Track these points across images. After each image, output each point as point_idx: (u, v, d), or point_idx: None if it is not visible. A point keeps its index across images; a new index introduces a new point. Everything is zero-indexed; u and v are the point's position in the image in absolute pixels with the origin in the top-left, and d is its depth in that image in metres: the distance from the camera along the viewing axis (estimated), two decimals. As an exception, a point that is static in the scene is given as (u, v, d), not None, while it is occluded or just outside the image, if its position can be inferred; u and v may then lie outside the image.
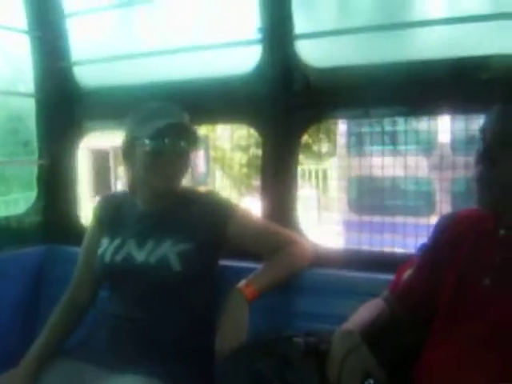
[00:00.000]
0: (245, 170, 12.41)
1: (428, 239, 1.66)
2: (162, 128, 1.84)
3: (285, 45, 2.13)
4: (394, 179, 6.40)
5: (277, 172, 2.20)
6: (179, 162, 1.90)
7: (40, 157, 2.70)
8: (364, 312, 1.63)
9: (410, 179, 6.58)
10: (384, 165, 6.13)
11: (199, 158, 12.09)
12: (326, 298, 1.90)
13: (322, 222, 8.63)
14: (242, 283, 1.78)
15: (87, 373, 1.77)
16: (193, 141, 1.92)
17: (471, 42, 1.97)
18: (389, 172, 6.21)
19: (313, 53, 2.13)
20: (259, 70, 2.19)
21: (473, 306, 1.43)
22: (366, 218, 6.29)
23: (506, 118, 1.40)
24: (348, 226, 7.24)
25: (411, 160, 6.62)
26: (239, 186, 11.81)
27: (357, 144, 7.57)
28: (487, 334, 1.37)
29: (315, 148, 12.06)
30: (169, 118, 1.87)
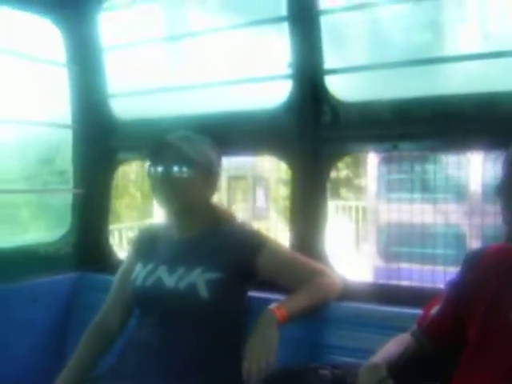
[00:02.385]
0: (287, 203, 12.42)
1: (456, 274, 1.66)
2: (156, 151, 1.93)
3: (314, 79, 2.17)
4: (424, 226, 6.35)
5: (306, 204, 2.22)
6: (177, 183, 1.93)
7: (75, 186, 2.76)
8: (391, 346, 1.63)
9: (441, 227, 6.50)
10: (414, 212, 6.12)
11: (259, 194, 12.24)
12: (352, 332, 1.89)
13: (359, 254, 8.55)
14: (273, 305, 1.80)
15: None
16: (183, 161, 1.93)
17: (503, 77, 1.97)
18: (419, 219, 6.17)
19: (342, 87, 2.16)
20: (289, 104, 2.23)
21: (500, 340, 1.43)
22: (395, 266, 6.25)
23: None
24: (377, 272, 7.16)
25: (442, 207, 6.58)
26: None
27: (387, 190, 7.55)
28: None
29: (356, 182, 12.09)
30: (164, 140, 1.96)
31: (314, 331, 1.96)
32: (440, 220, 6.48)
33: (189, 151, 1.94)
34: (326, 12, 2.18)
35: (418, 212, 6.30)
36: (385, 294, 2.06)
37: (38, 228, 2.82)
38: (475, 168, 6.84)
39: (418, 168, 7.09)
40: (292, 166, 2.26)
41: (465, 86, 2.00)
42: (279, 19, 2.25)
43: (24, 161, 2.83)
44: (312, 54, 2.17)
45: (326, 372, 1.55)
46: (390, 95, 2.09)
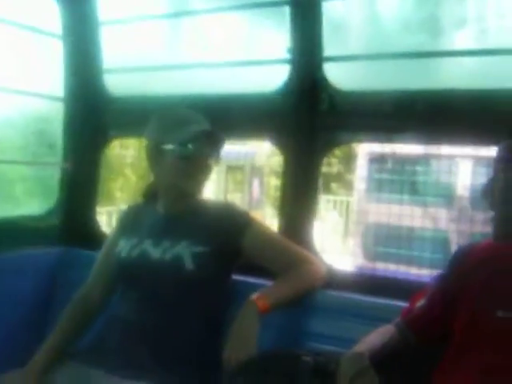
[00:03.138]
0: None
1: (444, 269, 1.66)
2: (198, 133, 1.89)
3: (313, 66, 2.16)
4: (411, 229, 6.38)
5: (296, 191, 2.21)
6: (207, 168, 1.95)
7: (64, 160, 2.73)
8: (375, 337, 1.63)
9: (427, 230, 6.53)
10: (402, 214, 6.15)
11: (255, 185, 12.35)
12: (336, 321, 1.89)
13: (344, 250, 8.59)
14: (255, 295, 1.78)
15: (96, 378, 1.78)
16: (220, 149, 1.95)
17: (498, 74, 1.97)
18: (406, 221, 6.20)
19: (340, 75, 2.15)
20: (286, 89, 2.22)
21: (485, 337, 1.45)
22: (380, 266, 6.28)
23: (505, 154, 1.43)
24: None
25: (429, 211, 6.60)
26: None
27: (375, 190, 7.57)
28: (498, 365, 1.38)
29: (347, 177, 12.14)
30: (201, 124, 1.93)
31: (297, 318, 1.95)
32: (427, 223, 6.51)
33: (222, 136, 1.94)
34: (329, -2, 2.16)
35: (405, 214, 6.34)
36: (370, 284, 2.07)
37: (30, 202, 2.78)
38: (464, 173, 6.88)
39: (407, 169, 7.12)
40: (285, 152, 2.25)
41: (462, 82, 2.00)
42: (281, 3, 2.23)
43: (14, 131, 2.80)
44: (312, 40, 2.15)
45: (308, 359, 1.55)
46: (388, 87, 2.09)
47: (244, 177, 13.38)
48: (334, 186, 14.25)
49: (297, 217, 2.21)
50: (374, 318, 1.79)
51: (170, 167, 1.93)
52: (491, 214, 1.54)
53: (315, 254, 2.12)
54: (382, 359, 1.55)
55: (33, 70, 2.70)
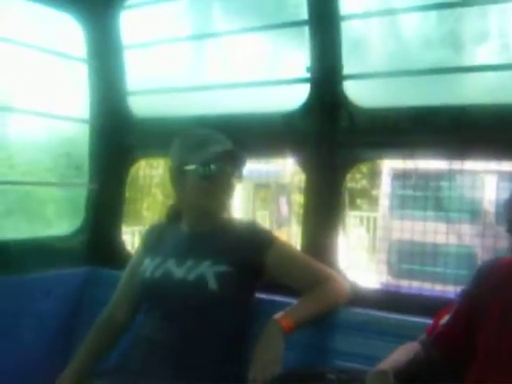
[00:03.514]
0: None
1: (468, 285, 1.65)
2: (219, 153, 1.93)
3: (333, 84, 2.17)
4: (435, 245, 6.30)
5: (319, 208, 2.22)
6: (231, 187, 1.98)
7: (90, 181, 2.78)
8: (399, 354, 1.62)
9: (452, 246, 6.45)
10: (426, 230, 6.08)
11: (282, 203, 12.54)
12: (360, 338, 1.89)
13: (370, 264, 8.51)
14: (279, 315, 1.80)
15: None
16: (242, 168, 1.99)
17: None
18: (431, 238, 6.13)
19: (360, 93, 2.16)
20: (307, 108, 2.23)
21: (509, 355, 1.42)
22: (405, 283, 6.21)
23: None
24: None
25: (454, 227, 6.51)
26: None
27: (399, 207, 7.51)
28: None
29: (373, 193, 12.10)
30: (223, 144, 1.97)
31: (322, 336, 1.95)
32: (452, 239, 6.43)
33: (244, 156, 1.99)
34: (347, 17, 2.17)
35: (430, 230, 6.27)
36: (394, 301, 2.05)
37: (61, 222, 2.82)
38: (489, 188, 6.80)
39: (431, 185, 7.06)
40: (307, 170, 2.26)
41: (482, 97, 2.00)
42: (300, 23, 2.25)
43: (43, 153, 2.86)
44: (331, 58, 2.17)
45: (332, 376, 1.55)
46: (408, 103, 2.09)
47: (271, 195, 13.55)
48: (359, 201, 14.19)
49: (320, 234, 2.21)
50: (398, 335, 1.77)
51: (193, 187, 1.96)
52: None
53: (339, 271, 2.12)
54: (407, 377, 1.54)
55: (60, 93, 2.76)
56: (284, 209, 12.60)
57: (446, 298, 1.96)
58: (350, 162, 2.21)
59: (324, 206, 2.20)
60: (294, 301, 1.91)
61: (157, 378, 1.79)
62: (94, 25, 2.67)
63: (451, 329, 1.61)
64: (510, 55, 2.23)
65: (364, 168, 12.11)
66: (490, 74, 2.08)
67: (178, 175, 2.00)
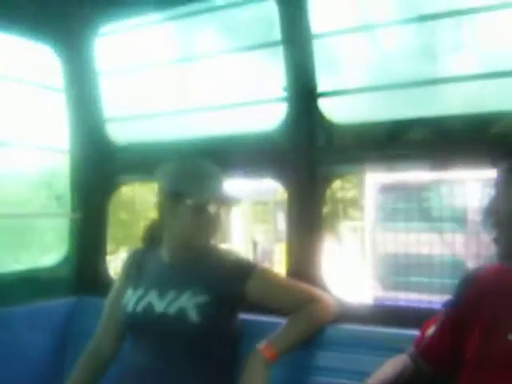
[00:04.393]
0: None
1: (453, 295, 1.65)
2: (219, 194, 1.95)
3: (308, 102, 2.19)
4: (423, 256, 6.33)
5: (301, 226, 2.22)
6: (218, 223, 1.98)
7: (72, 210, 2.76)
8: (387, 368, 1.62)
9: (439, 256, 6.48)
10: (413, 241, 6.10)
11: (279, 219, 12.73)
12: (349, 354, 1.88)
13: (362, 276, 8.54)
14: (262, 344, 1.80)
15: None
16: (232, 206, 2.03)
17: (497, 96, 1.99)
18: (418, 249, 6.16)
19: (336, 110, 2.18)
20: (284, 127, 2.25)
21: (498, 362, 1.42)
22: (393, 295, 6.24)
23: (507, 173, 1.44)
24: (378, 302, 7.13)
25: (441, 237, 6.56)
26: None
27: (386, 220, 7.56)
28: None
29: (363, 202, 12.17)
30: (220, 180, 1.98)
31: (310, 353, 1.94)
32: (439, 249, 6.46)
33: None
34: (320, 36, 2.20)
35: (417, 242, 6.30)
36: (382, 315, 2.05)
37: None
38: (475, 196, 6.85)
39: (416, 197, 7.12)
40: (288, 187, 2.27)
41: (459, 107, 2.02)
42: (274, 43, 2.27)
43: (22, 185, 2.85)
44: (306, 77, 2.19)
45: None
46: (384, 117, 2.11)
47: (269, 211, 13.73)
48: (351, 211, 14.24)
49: (304, 252, 2.21)
50: (387, 348, 1.77)
51: (183, 218, 1.94)
52: (494, 234, 1.53)
53: (324, 288, 2.11)
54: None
55: (38, 124, 2.76)
56: (281, 224, 12.74)
57: (432, 309, 1.96)
58: (329, 178, 2.22)
59: (306, 223, 2.20)
60: (280, 320, 1.90)
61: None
62: (70, 54, 2.67)
63: (438, 340, 1.61)
64: (484, 65, 2.26)
65: (353, 177, 12.18)
66: (463, 85, 2.11)
67: (168, 201, 1.96)
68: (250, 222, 13.54)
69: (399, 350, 1.69)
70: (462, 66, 2.28)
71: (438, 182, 6.82)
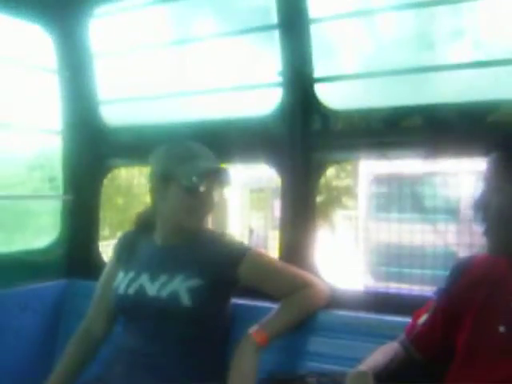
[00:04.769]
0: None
1: (444, 283, 1.65)
2: (208, 170, 1.91)
3: (304, 87, 2.17)
4: (416, 247, 6.35)
5: (294, 211, 2.22)
6: (211, 203, 1.96)
7: (65, 192, 2.75)
8: (379, 355, 1.63)
9: (431, 247, 6.50)
10: (402, 232, 6.11)
11: (276, 206, 12.91)
12: (341, 340, 1.89)
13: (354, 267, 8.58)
14: (253, 328, 1.80)
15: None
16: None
17: (492, 85, 1.98)
18: (407, 239, 6.18)
19: (332, 95, 2.17)
20: (280, 112, 2.23)
21: (488, 353, 1.43)
22: (385, 285, 6.27)
23: (496, 164, 1.43)
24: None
25: (433, 228, 6.57)
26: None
27: (378, 210, 7.57)
28: (501, 381, 1.36)
29: (356, 191, 12.23)
30: (208, 160, 1.95)
31: (301, 339, 1.95)
32: (433, 241, 6.47)
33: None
34: (317, 20, 2.18)
35: (409, 232, 6.31)
36: (374, 301, 2.05)
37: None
38: (468, 188, 6.87)
39: (409, 188, 7.14)
40: (282, 173, 2.26)
41: (453, 96, 2.01)
42: (270, 27, 2.25)
43: (14, 167, 2.83)
44: (302, 62, 2.17)
45: (312, 380, 1.55)
46: (380, 104, 2.10)
47: (266, 198, 13.88)
48: (345, 199, 14.27)
49: (297, 237, 2.21)
50: (379, 335, 1.78)
51: (175, 200, 1.93)
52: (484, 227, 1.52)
53: (317, 274, 2.12)
54: (388, 377, 1.54)
55: (30, 105, 2.74)
56: (277, 211, 12.94)
57: (424, 297, 1.96)
58: (324, 164, 2.21)
59: (299, 209, 2.20)
60: (272, 305, 1.91)
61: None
62: (63, 35, 2.64)
63: (429, 328, 1.62)
64: (480, 53, 2.25)
65: (348, 166, 12.18)
66: (460, 73, 2.10)
67: (160, 184, 1.95)
68: (247, 209, 13.70)
69: (391, 337, 1.69)
70: (459, 54, 2.26)
71: (431, 174, 6.83)
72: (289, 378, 1.58)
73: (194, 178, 1.89)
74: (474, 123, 1.94)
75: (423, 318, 1.65)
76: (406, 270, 6.39)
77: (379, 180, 7.52)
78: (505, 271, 1.48)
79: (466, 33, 2.25)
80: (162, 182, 1.94)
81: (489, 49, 2.21)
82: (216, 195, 1.97)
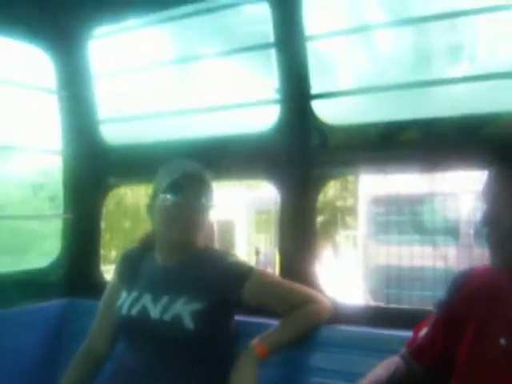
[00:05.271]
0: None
1: (444, 296, 1.65)
2: (177, 179, 1.92)
3: (302, 104, 2.19)
4: (411, 269, 6.32)
5: (294, 227, 2.22)
6: (196, 214, 1.94)
7: (65, 211, 2.76)
8: (380, 369, 1.62)
9: (431, 269, 6.48)
10: (402, 253, 6.09)
11: None
12: (342, 355, 1.89)
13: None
14: (255, 340, 1.80)
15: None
16: (209, 194, 1.96)
17: (489, 98, 1.99)
18: (407, 261, 6.15)
19: (329, 111, 2.18)
20: (278, 128, 2.25)
21: (489, 366, 1.42)
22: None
23: (504, 178, 1.43)
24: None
25: (433, 250, 6.54)
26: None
27: (378, 233, 7.56)
28: None
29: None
30: (185, 169, 1.95)
31: (303, 353, 1.95)
32: (432, 262, 6.45)
33: (210, 185, 1.97)
34: (313, 38, 2.20)
35: (409, 254, 6.30)
36: (376, 316, 2.05)
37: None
38: (466, 210, 6.86)
39: (408, 209, 7.14)
40: (280, 189, 2.27)
41: (449, 110, 2.02)
42: (267, 46, 2.27)
43: (15, 187, 2.84)
44: (299, 78, 2.19)
45: None
46: (378, 118, 2.11)
47: (271, 220, 14.17)
48: (348, 219, 14.28)
49: (297, 253, 2.21)
50: (381, 349, 1.78)
51: (157, 215, 1.96)
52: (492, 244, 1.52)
53: (319, 289, 2.11)
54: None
55: (31, 126, 2.75)
56: None
57: (426, 311, 1.96)
58: (323, 180, 2.22)
59: (299, 225, 2.21)
60: (274, 322, 1.91)
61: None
62: (63, 55, 2.66)
63: (429, 341, 1.61)
64: (476, 67, 2.27)
65: (351, 186, 12.21)
66: (456, 87, 2.12)
67: (151, 202, 2.00)
68: (253, 231, 13.84)
69: (393, 352, 1.69)
70: (455, 69, 2.28)
71: (431, 195, 6.84)
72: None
73: (164, 190, 1.92)
74: (470, 136, 1.95)
75: (423, 331, 1.65)
76: (406, 292, 6.36)
77: (378, 201, 7.52)
78: (505, 284, 1.48)
79: (461, 47, 2.27)
80: (152, 199, 1.99)
81: (484, 62, 2.22)
82: (198, 204, 1.94)
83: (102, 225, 2.80)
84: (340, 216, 15.29)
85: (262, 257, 13.34)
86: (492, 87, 1.98)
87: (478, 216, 1.47)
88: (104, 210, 2.81)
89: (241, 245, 13.85)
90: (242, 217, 13.79)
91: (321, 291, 2.10)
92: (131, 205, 10.66)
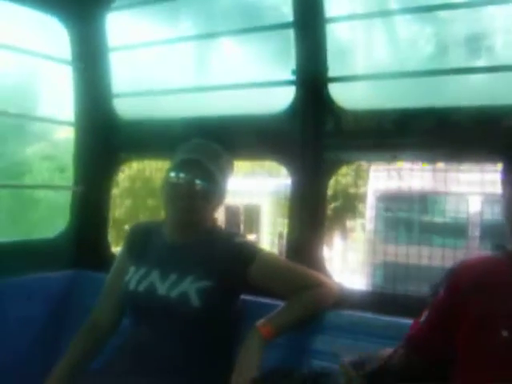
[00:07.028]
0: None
1: (441, 286, 1.62)
2: (184, 159, 1.95)
3: (318, 86, 2.18)
4: (419, 268, 6.30)
5: (305, 210, 2.22)
6: (194, 196, 1.95)
7: (75, 183, 2.76)
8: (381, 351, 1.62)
9: (436, 269, 6.48)
10: (412, 253, 6.06)
11: None
12: (348, 340, 1.89)
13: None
14: (261, 321, 1.81)
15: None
16: (207, 178, 1.96)
17: (504, 90, 1.98)
18: (419, 260, 6.12)
19: (345, 95, 2.17)
20: (292, 110, 2.24)
21: (491, 358, 1.42)
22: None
23: None
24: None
25: (438, 249, 6.52)
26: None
27: (383, 231, 7.54)
28: None
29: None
30: (190, 154, 1.97)
31: (309, 337, 1.96)
32: (436, 261, 6.43)
33: (213, 168, 1.97)
34: (333, 20, 2.18)
35: (413, 252, 6.29)
36: (382, 302, 2.06)
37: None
38: (474, 210, 6.82)
39: (415, 207, 7.11)
40: (292, 172, 2.26)
41: (466, 99, 2.01)
42: (285, 25, 2.25)
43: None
44: (316, 61, 2.17)
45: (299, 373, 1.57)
46: (393, 105, 2.10)
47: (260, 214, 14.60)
48: (361, 207, 14.31)
49: (305, 235, 2.21)
50: (385, 336, 1.79)
51: (164, 193, 1.99)
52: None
53: (326, 273, 2.12)
54: (387, 373, 1.54)
55: (44, 95, 2.75)
56: None
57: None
58: (335, 164, 2.22)
59: (309, 207, 2.20)
60: (280, 302, 1.91)
61: (145, 378, 1.79)
62: (80, 27, 2.65)
63: (426, 330, 1.61)
64: (493, 58, 2.25)
65: (364, 174, 12.23)
66: (474, 76, 2.10)
67: (162, 185, 2.04)
68: (278, 215, 14.19)
69: (397, 338, 1.68)
70: (474, 59, 2.26)
71: (439, 192, 6.81)
72: (281, 374, 1.60)
73: (171, 169, 1.96)
74: (486, 127, 1.93)
75: (422, 320, 1.64)
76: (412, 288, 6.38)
77: (386, 197, 7.49)
78: (506, 276, 1.48)
79: (481, 38, 2.24)
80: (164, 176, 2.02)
81: (503, 54, 2.20)
82: (197, 186, 1.95)
83: (112, 198, 2.81)
84: (352, 203, 15.34)
85: (284, 241, 13.65)
86: (507, 79, 1.97)
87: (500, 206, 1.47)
88: (113, 184, 2.81)
89: (266, 227, 14.45)
90: (267, 202, 14.36)
91: (328, 276, 2.10)
92: (157, 184, 10.82)
